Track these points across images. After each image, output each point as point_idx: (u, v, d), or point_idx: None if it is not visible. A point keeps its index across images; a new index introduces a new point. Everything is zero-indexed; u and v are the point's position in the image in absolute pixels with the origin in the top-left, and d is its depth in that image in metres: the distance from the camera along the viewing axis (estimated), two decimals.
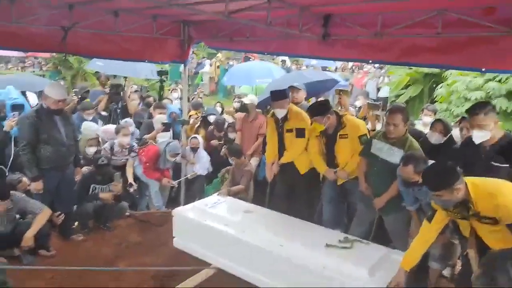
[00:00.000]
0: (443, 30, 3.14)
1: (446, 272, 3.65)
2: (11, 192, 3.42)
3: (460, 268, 3.39)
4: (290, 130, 4.10)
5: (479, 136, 2.97)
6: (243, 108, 5.51)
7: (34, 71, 15.06)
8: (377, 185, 3.53)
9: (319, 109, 3.92)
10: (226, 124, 5.98)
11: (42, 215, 3.50)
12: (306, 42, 4.05)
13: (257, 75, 9.67)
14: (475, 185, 2.42)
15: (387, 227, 3.59)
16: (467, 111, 3.17)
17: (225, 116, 6.71)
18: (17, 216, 3.58)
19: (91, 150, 4.68)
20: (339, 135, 3.79)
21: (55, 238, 3.96)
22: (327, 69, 12.97)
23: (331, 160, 3.90)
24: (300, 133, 4.06)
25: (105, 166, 4.27)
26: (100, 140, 5.03)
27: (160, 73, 7.23)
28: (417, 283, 3.31)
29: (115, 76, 7.18)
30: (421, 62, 3.55)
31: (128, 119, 5.73)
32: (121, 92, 6.49)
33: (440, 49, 3.22)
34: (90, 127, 5.10)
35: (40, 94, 6.41)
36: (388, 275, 2.82)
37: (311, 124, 4.03)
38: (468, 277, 2.82)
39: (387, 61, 4.05)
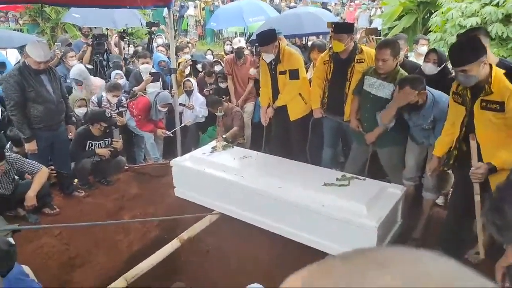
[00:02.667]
0: None
1: (440, 200, 3.79)
2: (6, 153, 3.39)
3: (450, 196, 3.50)
4: (283, 72, 3.99)
5: None
6: (237, 53, 5.30)
7: (9, 26, 14.29)
8: (370, 121, 3.55)
9: (345, 28, 3.81)
10: (217, 71, 5.83)
11: (41, 174, 3.50)
12: None
13: (249, 14, 9.00)
14: (495, 67, 2.45)
15: (381, 161, 3.66)
16: (457, 37, 3.10)
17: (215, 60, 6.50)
18: (16, 177, 3.59)
19: (81, 111, 4.57)
20: (357, 59, 3.69)
21: (56, 196, 4.01)
22: (327, 6, 12.33)
23: (339, 87, 3.79)
24: (293, 74, 3.97)
25: (111, 118, 4.25)
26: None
27: (149, 24, 6.82)
28: (413, 213, 3.46)
29: (96, 27, 6.82)
30: None
31: (118, 72, 5.54)
32: (105, 43, 6.22)
33: None
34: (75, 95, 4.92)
35: (20, 49, 6.16)
36: (384, 208, 2.91)
37: (330, 41, 3.89)
38: (456, 203, 2.95)
39: None
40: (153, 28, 6.78)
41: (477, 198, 2.48)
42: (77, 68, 5.14)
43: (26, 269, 2.41)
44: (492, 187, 2.44)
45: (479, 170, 2.45)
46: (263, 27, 6.01)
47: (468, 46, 2.44)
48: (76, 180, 4.28)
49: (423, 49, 4.72)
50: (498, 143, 2.43)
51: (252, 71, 4.53)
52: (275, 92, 4.14)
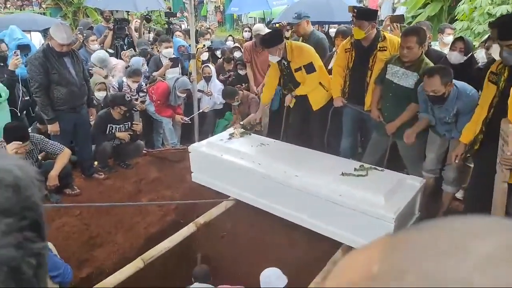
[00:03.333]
0: None
1: (459, 194, 3.71)
2: (30, 134, 3.48)
3: (467, 189, 3.42)
4: (298, 69, 3.94)
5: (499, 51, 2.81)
6: (257, 40, 5.22)
7: (33, 10, 14.53)
8: (392, 111, 3.49)
9: (367, 14, 3.75)
10: (236, 57, 5.79)
11: (63, 155, 3.58)
12: None
13: None
14: None
15: (401, 152, 3.60)
16: (489, 24, 2.98)
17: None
18: (39, 157, 3.69)
19: (100, 95, 4.62)
20: (379, 47, 3.61)
21: (77, 177, 4.11)
22: None
23: (360, 75, 3.73)
24: (309, 68, 3.91)
25: (131, 102, 4.28)
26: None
27: (168, 14, 6.81)
28: (432, 206, 3.41)
29: (117, 11, 6.86)
30: None
31: (139, 59, 5.55)
32: (126, 27, 6.26)
33: None
34: (96, 78, 4.97)
35: (44, 33, 6.26)
36: (402, 199, 2.88)
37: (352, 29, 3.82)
38: (474, 195, 2.87)
39: None
40: (171, 18, 6.81)
41: (504, 185, 2.38)
42: (97, 56, 5.20)
43: (50, 245, 2.49)
44: None
45: None
46: (289, 11, 5.90)
47: None
48: (96, 163, 4.37)
49: (449, 38, 4.56)
50: None
51: (273, 58, 4.46)
52: (294, 84, 4.09)
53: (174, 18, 7.20)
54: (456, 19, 6.83)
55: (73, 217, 3.55)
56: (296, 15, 4.67)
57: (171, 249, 3.11)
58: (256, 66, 5.30)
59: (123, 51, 5.75)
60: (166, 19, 6.82)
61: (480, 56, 3.77)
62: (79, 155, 4.14)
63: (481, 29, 5.70)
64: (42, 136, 3.63)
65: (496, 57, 2.82)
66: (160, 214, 3.82)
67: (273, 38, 3.89)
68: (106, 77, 5.04)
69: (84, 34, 6.10)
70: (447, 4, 8.02)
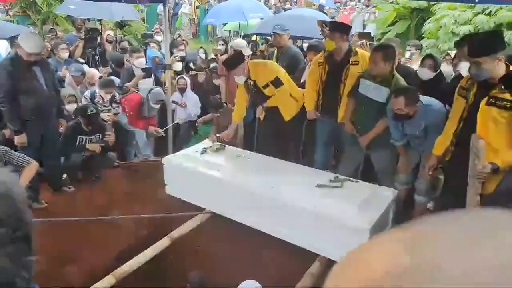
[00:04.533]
0: None
1: (430, 204, 3.82)
2: None
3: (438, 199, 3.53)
4: (266, 86, 3.98)
5: (467, 68, 2.95)
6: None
7: None
8: (365, 124, 3.57)
9: (340, 26, 3.84)
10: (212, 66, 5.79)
11: (30, 167, 3.41)
12: None
13: (249, 10, 9.01)
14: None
15: (374, 164, 3.68)
16: (455, 43, 3.13)
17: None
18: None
19: (70, 107, 4.49)
20: (351, 61, 3.69)
21: (45, 191, 3.94)
22: (324, 9, 12.38)
23: (333, 88, 3.80)
24: (276, 83, 3.95)
25: (94, 116, 4.11)
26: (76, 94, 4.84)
27: (144, 36, 6.72)
28: (403, 217, 3.48)
29: (89, 20, 6.74)
30: None
31: (114, 78, 5.44)
32: (98, 37, 6.14)
33: None
34: (66, 90, 4.83)
35: (11, 40, 6.04)
36: (376, 210, 2.93)
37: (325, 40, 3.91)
38: (445, 208, 2.96)
39: None
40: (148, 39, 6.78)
41: (476, 198, 2.47)
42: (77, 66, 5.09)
43: None
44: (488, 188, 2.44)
45: (485, 169, 2.40)
46: (265, 24, 5.96)
47: (489, 39, 2.43)
48: (65, 175, 4.20)
49: (407, 54, 4.88)
50: (499, 142, 2.40)
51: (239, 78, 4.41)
52: (263, 98, 4.12)
53: (149, 38, 7.20)
54: (423, 37, 7.15)
55: (40, 232, 3.38)
56: (279, 26, 4.76)
57: (144, 264, 3.01)
58: (230, 81, 5.26)
59: (101, 67, 5.63)
60: (142, 40, 6.77)
61: (447, 70, 3.95)
62: (47, 167, 3.97)
63: (446, 46, 5.99)
64: (7, 148, 3.45)
65: (464, 73, 2.96)
66: (133, 228, 3.70)
67: (235, 59, 4.02)
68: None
69: (53, 43, 5.94)
70: (414, 22, 8.40)
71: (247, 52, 4.91)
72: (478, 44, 2.43)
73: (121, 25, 6.96)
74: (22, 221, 0.42)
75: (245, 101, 4.15)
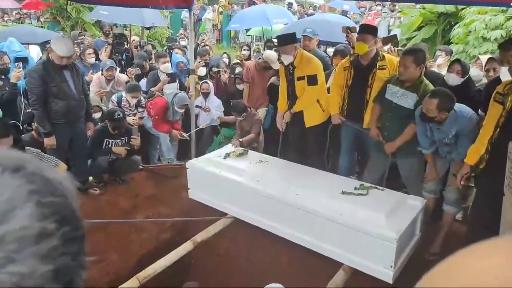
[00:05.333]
0: None
1: (459, 215, 3.69)
2: (26, 147, 3.42)
3: (470, 210, 3.40)
4: (301, 78, 3.95)
5: (506, 73, 2.84)
6: (266, 66, 5.14)
7: (31, 23, 14.57)
8: (391, 131, 3.49)
9: (370, 28, 3.79)
10: (237, 72, 5.81)
11: (58, 169, 3.51)
12: None
13: (273, 15, 9.01)
14: None
15: (401, 172, 3.59)
16: (499, 46, 3.01)
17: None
18: None
19: (96, 116, 4.60)
20: (378, 65, 3.64)
21: None
22: (347, 15, 12.32)
23: (359, 93, 3.74)
24: (312, 80, 3.92)
25: (121, 120, 4.19)
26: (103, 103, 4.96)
27: (169, 39, 6.73)
28: (431, 227, 3.37)
29: (116, 26, 6.89)
30: None
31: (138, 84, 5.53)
32: (125, 42, 6.27)
33: None
34: (92, 97, 4.93)
35: (42, 45, 6.26)
36: (404, 219, 2.84)
37: (353, 43, 3.88)
38: (478, 217, 2.85)
39: None
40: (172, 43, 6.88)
41: None
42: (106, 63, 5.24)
43: None
44: None
45: None
46: (289, 30, 5.95)
47: None
48: (91, 178, 4.29)
49: (440, 60, 4.73)
50: None
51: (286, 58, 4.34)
52: (293, 98, 4.10)
53: (173, 42, 7.35)
54: (451, 42, 6.96)
55: None
56: (310, 30, 4.76)
57: (167, 268, 3.02)
58: (254, 87, 5.25)
59: (129, 68, 5.74)
60: (167, 44, 6.89)
61: (476, 75, 3.83)
62: (74, 169, 4.06)
63: (476, 52, 5.82)
64: (38, 150, 3.56)
65: (504, 78, 2.85)
66: (156, 231, 3.73)
67: (289, 36, 4.00)
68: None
69: (81, 48, 6.10)
70: (441, 27, 8.19)
71: (276, 66, 4.88)
72: None
73: (148, 28, 7.09)
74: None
75: (285, 87, 4.14)
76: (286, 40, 3.93)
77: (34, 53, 6.18)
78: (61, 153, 3.79)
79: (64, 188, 0.43)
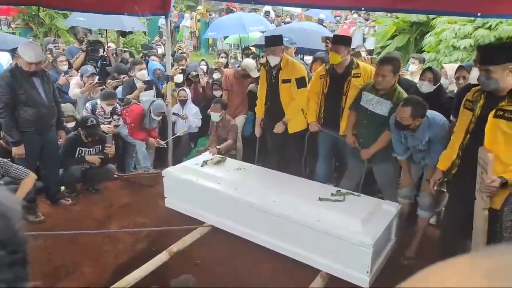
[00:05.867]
0: None
1: (432, 219, 3.77)
2: None
3: (443, 214, 3.48)
4: (286, 81, 3.96)
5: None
6: (245, 74, 5.14)
7: (1, 29, 14.13)
8: (367, 137, 3.55)
9: (343, 39, 3.84)
10: (215, 78, 5.79)
11: (28, 179, 3.38)
12: None
13: (249, 23, 9.15)
14: None
15: (376, 177, 3.64)
16: (477, 48, 3.10)
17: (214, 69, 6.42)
18: (1, 182, 3.46)
19: (69, 126, 4.47)
20: (353, 74, 3.69)
21: (42, 203, 3.88)
22: (323, 23, 12.54)
23: (335, 101, 3.78)
24: (301, 82, 3.95)
25: (94, 127, 4.07)
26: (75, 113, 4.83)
27: (144, 47, 6.68)
28: (406, 231, 3.43)
29: (91, 32, 6.76)
30: (416, 8, 3.40)
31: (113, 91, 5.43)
32: (100, 49, 6.15)
33: None
34: (67, 107, 4.81)
35: (13, 52, 6.05)
36: (379, 225, 2.87)
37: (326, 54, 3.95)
38: (451, 222, 2.92)
39: (381, 8, 3.88)
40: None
41: (485, 212, 2.40)
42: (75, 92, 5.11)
43: None
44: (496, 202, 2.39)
45: (494, 183, 2.31)
46: (264, 37, 5.98)
47: (501, 48, 2.43)
48: (63, 188, 4.15)
49: (413, 67, 4.87)
50: (509, 155, 2.34)
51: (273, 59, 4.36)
52: (272, 102, 4.09)
53: (149, 50, 7.28)
54: (423, 51, 7.17)
55: (36, 246, 3.32)
56: (287, 39, 4.80)
57: (142, 279, 2.94)
58: (233, 94, 5.24)
59: (109, 80, 5.62)
60: (142, 51, 6.81)
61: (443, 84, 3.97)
62: (45, 179, 3.93)
63: (447, 60, 6.02)
64: (6, 160, 3.42)
65: (473, 82, 2.94)
66: (131, 241, 3.64)
67: (277, 38, 4.05)
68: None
69: (54, 55, 5.94)
70: (413, 36, 8.45)
71: (255, 74, 4.90)
72: (490, 52, 2.41)
73: (124, 33, 6.96)
74: (20, 244, 0.40)
75: (265, 92, 4.15)
76: (274, 41, 3.96)
77: (4, 60, 5.98)
78: (31, 163, 3.65)
79: (7, 208, 0.41)
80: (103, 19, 7.00)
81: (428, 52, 6.83)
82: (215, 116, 4.64)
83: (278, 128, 4.07)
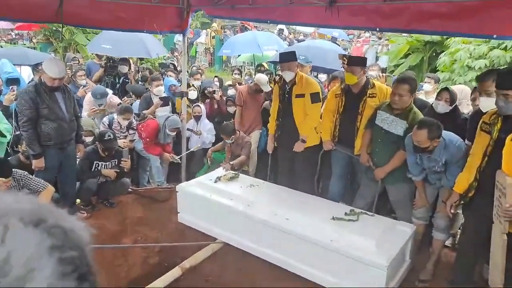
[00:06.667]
0: None
1: (448, 242, 3.70)
2: (14, 169, 3.36)
3: (459, 237, 3.42)
4: (300, 95, 4.00)
5: (486, 103, 2.92)
6: (258, 89, 5.18)
7: (24, 44, 14.62)
8: (381, 157, 3.53)
9: (359, 60, 3.88)
10: (229, 94, 5.88)
11: (46, 192, 3.45)
12: (311, 10, 3.90)
13: (263, 42, 9.33)
14: None
15: (390, 197, 3.61)
16: (476, 78, 3.12)
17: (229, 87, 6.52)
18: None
19: (87, 140, 4.57)
20: (369, 93, 3.71)
21: None
22: (336, 41, 12.66)
23: (351, 120, 3.79)
24: (315, 97, 3.99)
25: (111, 141, 4.16)
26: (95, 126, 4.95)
27: (161, 65, 6.80)
28: (421, 253, 3.38)
29: None
30: (430, 29, 3.41)
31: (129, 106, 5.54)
32: (117, 66, 6.30)
33: (451, 15, 3.10)
34: (86, 121, 4.94)
35: (35, 67, 6.26)
36: (394, 246, 2.84)
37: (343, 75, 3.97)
38: (467, 245, 2.86)
39: (395, 28, 3.92)
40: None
41: (503, 237, 2.35)
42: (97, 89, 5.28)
43: None
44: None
45: None
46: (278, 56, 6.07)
47: None
48: (78, 200, 4.22)
49: (427, 86, 4.84)
50: None
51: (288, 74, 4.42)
52: (284, 118, 4.12)
53: (166, 68, 7.47)
54: (437, 70, 7.16)
55: None
56: (303, 57, 4.87)
57: None
58: (246, 110, 5.27)
59: (124, 98, 5.77)
60: (160, 69, 6.98)
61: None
62: (62, 192, 4.00)
63: (461, 80, 6.00)
64: (26, 172, 3.50)
65: (484, 108, 2.93)
66: (144, 256, 3.66)
67: (292, 53, 4.13)
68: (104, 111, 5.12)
69: (73, 70, 6.12)
70: (427, 55, 8.44)
71: (267, 88, 4.96)
72: (508, 77, 2.42)
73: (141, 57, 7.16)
74: (96, 275, 0.43)
75: (277, 107, 4.20)
76: (289, 57, 4.04)
77: (26, 75, 6.18)
78: (50, 176, 3.73)
79: (81, 239, 0.44)
80: (128, 47, 7.15)
81: (442, 71, 6.82)
82: (227, 141, 4.74)
83: (299, 147, 4.08)
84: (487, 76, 3.00)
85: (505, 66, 5.75)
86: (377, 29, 4.31)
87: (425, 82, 4.99)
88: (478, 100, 3.28)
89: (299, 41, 13.48)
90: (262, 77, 5.14)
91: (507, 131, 2.42)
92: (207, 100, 5.88)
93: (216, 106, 5.80)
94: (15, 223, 0.39)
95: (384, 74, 4.57)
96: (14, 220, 0.40)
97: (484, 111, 2.89)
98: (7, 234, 0.38)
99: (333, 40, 12.89)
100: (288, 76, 3.98)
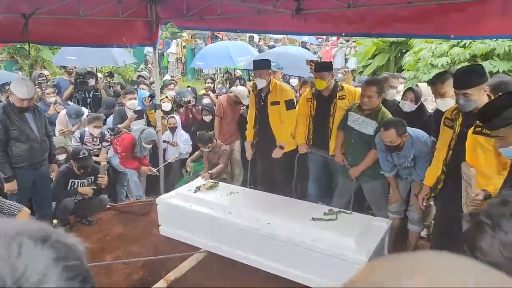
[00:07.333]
0: None
1: (423, 233, 3.86)
2: None
3: (432, 228, 3.57)
4: (275, 103, 4.08)
5: (443, 104, 3.11)
6: (237, 101, 5.21)
7: None
8: (354, 156, 3.66)
9: (326, 65, 3.99)
10: (204, 103, 5.90)
11: (22, 215, 3.35)
12: (279, 18, 4.00)
13: (236, 54, 9.30)
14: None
15: (366, 195, 3.74)
16: (428, 82, 3.30)
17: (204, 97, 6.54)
18: None
19: (60, 158, 4.49)
20: (338, 96, 3.83)
21: None
22: (306, 46, 12.88)
23: (323, 122, 3.90)
24: (290, 104, 4.07)
25: (87, 159, 4.09)
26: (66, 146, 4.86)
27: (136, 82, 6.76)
28: (398, 246, 3.50)
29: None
30: (393, 32, 3.60)
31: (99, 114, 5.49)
32: (88, 81, 6.21)
33: (411, 19, 3.28)
34: (57, 138, 4.83)
35: (1, 87, 6.09)
36: (372, 241, 2.94)
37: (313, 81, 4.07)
38: (440, 234, 3.01)
39: (360, 33, 4.08)
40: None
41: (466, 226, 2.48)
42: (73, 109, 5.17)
43: None
44: None
45: (478, 197, 2.37)
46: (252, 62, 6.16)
47: (473, 72, 2.59)
48: (55, 221, 4.12)
49: (401, 87, 5.02)
50: (490, 169, 2.44)
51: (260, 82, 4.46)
52: (261, 125, 4.20)
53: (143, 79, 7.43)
54: (403, 69, 7.43)
55: None
56: (275, 64, 4.96)
57: None
58: (226, 120, 5.29)
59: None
60: (133, 83, 6.92)
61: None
62: (38, 213, 3.90)
63: (426, 78, 6.25)
64: None
65: (443, 108, 3.11)
66: (127, 272, 3.61)
67: (265, 62, 4.19)
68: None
69: (43, 88, 5.99)
70: (393, 55, 8.74)
71: (246, 102, 5.02)
72: (465, 77, 2.57)
73: (111, 74, 7.06)
74: (93, 280, 0.50)
75: (254, 115, 4.26)
76: (262, 65, 4.11)
77: None
78: (23, 198, 3.64)
79: (79, 251, 0.52)
80: (94, 56, 7.01)
81: (408, 70, 7.09)
82: (205, 149, 4.76)
83: (277, 153, 4.15)
84: (437, 80, 3.20)
85: (462, 65, 6.04)
86: (343, 34, 4.46)
87: (400, 83, 5.16)
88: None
89: (269, 47, 13.66)
90: (242, 90, 5.20)
91: (468, 125, 2.58)
92: (181, 110, 5.88)
93: (191, 116, 5.81)
94: (27, 241, 0.48)
95: (347, 70, 4.76)
96: (25, 238, 0.48)
97: (443, 110, 3.06)
98: (22, 250, 0.46)
99: (303, 44, 13.14)
100: (260, 83, 4.06)
